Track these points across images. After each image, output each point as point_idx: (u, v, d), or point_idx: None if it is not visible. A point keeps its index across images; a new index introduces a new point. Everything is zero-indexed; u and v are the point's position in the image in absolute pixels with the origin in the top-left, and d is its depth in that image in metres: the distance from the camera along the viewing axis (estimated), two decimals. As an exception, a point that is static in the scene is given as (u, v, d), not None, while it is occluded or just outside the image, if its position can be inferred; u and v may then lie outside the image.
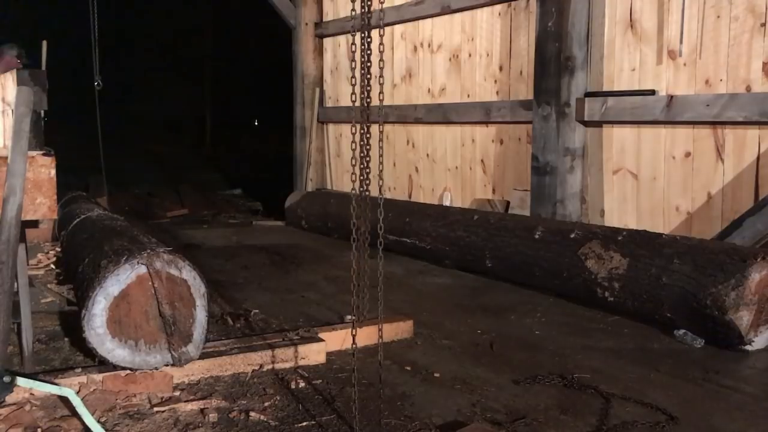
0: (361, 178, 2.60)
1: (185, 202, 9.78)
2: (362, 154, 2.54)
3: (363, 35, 2.55)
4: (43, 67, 7.20)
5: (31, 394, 2.76)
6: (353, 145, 2.52)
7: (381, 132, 2.59)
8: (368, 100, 2.57)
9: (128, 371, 2.95)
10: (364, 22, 2.53)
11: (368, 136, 2.60)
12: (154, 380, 2.95)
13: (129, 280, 2.97)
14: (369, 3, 2.54)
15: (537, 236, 4.67)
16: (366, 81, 2.53)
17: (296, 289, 4.91)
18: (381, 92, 2.55)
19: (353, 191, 2.56)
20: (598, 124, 5.42)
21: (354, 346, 2.47)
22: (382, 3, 2.56)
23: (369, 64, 2.53)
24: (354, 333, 2.50)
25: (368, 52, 2.52)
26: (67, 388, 2.67)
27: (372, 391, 2.95)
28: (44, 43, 7.13)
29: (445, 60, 6.98)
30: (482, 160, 6.60)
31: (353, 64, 2.49)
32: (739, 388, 3.06)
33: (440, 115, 6.96)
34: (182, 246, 6.48)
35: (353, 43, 2.46)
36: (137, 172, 12.89)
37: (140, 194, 10.49)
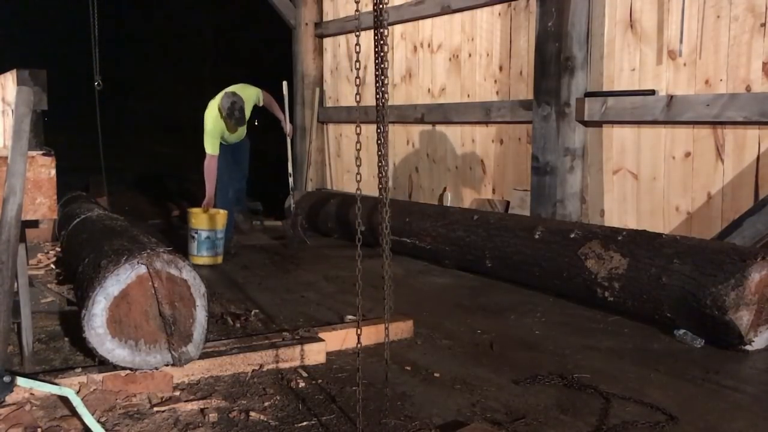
0: (379, 175, 2.57)
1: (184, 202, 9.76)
2: (380, 153, 2.51)
3: (377, 34, 2.51)
4: (286, 105, 6.92)
5: (31, 394, 2.76)
6: (358, 145, 2.49)
7: (385, 132, 2.58)
8: (383, 100, 2.52)
9: (128, 371, 2.95)
10: (378, 21, 2.50)
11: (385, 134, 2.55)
12: (154, 380, 2.96)
13: (129, 280, 2.97)
14: (382, 4, 2.50)
15: (537, 236, 4.67)
16: (381, 81, 2.48)
17: (296, 289, 4.91)
18: (385, 91, 2.54)
19: (358, 192, 2.55)
20: (598, 124, 5.42)
21: (359, 345, 2.47)
22: (386, 3, 2.55)
23: (384, 65, 2.48)
24: (359, 333, 2.51)
25: (382, 53, 2.48)
26: (67, 388, 2.67)
27: (372, 390, 2.95)
28: (285, 84, 6.97)
29: (445, 60, 6.98)
30: (482, 160, 6.60)
31: (357, 64, 2.47)
32: (739, 388, 3.06)
33: (440, 115, 6.96)
34: (182, 246, 6.48)
35: (357, 44, 2.43)
36: (137, 172, 12.88)
37: (140, 194, 10.49)
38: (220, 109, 6.23)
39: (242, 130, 6.71)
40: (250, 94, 6.49)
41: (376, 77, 2.50)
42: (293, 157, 7.32)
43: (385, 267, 2.57)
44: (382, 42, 2.44)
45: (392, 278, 5.17)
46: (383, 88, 2.47)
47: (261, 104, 6.71)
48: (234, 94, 6.25)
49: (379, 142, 2.52)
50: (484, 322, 4.09)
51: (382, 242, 2.56)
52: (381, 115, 2.49)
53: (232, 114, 6.18)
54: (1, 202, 2.61)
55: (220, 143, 6.44)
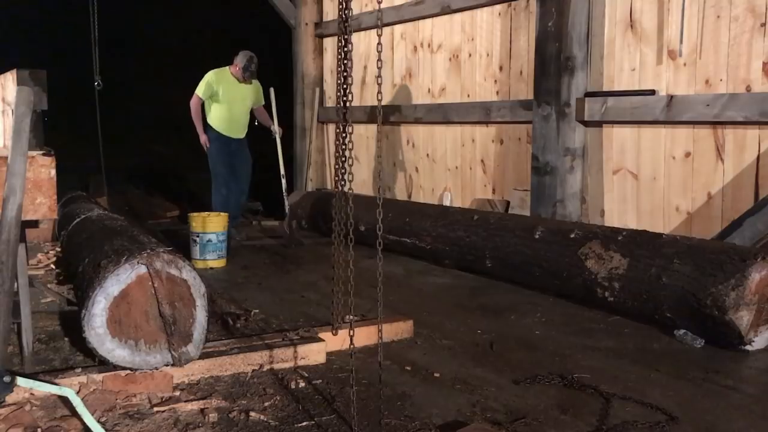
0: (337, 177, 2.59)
1: (184, 203, 9.76)
2: (338, 154, 2.54)
3: (342, 38, 2.54)
4: (274, 110, 7.20)
5: (31, 394, 2.76)
6: (345, 144, 2.51)
7: (379, 132, 2.60)
8: (344, 98, 2.56)
9: (128, 371, 2.95)
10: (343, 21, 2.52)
11: (344, 135, 2.59)
12: (154, 380, 2.95)
13: (129, 280, 2.97)
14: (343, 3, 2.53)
15: (537, 236, 4.67)
16: (342, 79, 2.52)
17: (296, 289, 4.91)
18: (379, 92, 2.55)
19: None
20: (598, 124, 5.42)
21: (351, 346, 2.47)
22: (380, 2, 2.56)
23: (347, 61, 2.52)
24: (351, 333, 2.51)
25: (345, 49, 2.51)
26: (67, 388, 2.67)
27: (372, 391, 2.95)
28: (272, 90, 7.21)
29: (445, 60, 6.97)
30: (482, 160, 6.60)
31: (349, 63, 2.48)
32: (739, 388, 3.06)
33: (440, 115, 6.96)
34: (182, 246, 6.47)
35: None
36: (138, 172, 12.89)
37: (140, 194, 10.50)
38: (236, 64, 6.69)
39: (244, 121, 6.97)
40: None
41: (338, 73, 2.52)
42: (284, 159, 7.43)
43: (379, 269, 2.57)
44: (346, 51, 2.46)
45: (392, 278, 5.18)
46: (346, 87, 2.49)
47: (259, 105, 7.04)
48: (250, 51, 6.74)
49: (337, 141, 2.53)
50: (484, 322, 4.09)
51: (336, 237, 2.55)
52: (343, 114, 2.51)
53: (248, 67, 6.64)
54: (1, 202, 2.61)
55: (224, 139, 6.78)
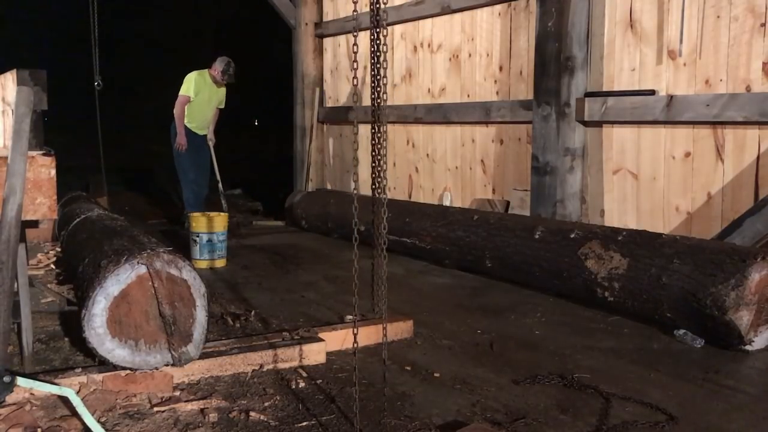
0: (373, 176, 2.60)
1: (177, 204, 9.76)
2: (374, 153, 2.53)
3: (374, 34, 2.55)
4: (213, 124, 7.93)
5: (31, 394, 2.76)
6: (355, 145, 2.51)
7: (384, 132, 2.59)
8: (379, 100, 2.55)
9: (128, 371, 2.95)
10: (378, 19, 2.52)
11: (379, 135, 2.58)
12: (154, 380, 2.96)
13: (129, 280, 2.97)
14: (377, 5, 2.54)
15: (537, 236, 4.67)
16: (377, 81, 2.52)
17: (296, 289, 4.91)
18: (384, 92, 2.55)
19: (355, 191, 2.56)
20: (598, 124, 5.42)
21: (355, 345, 2.47)
22: (385, 3, 2.57)
23: (379, 65, 2.52)
24: (355, 332, 2.51)
25: (378, 52, 2.51)
26: (67, 388, 2.67)
27: (372, 390, 2.95)
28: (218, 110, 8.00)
29: (445, 60, 6.97)
30: (482, 160, 6.60)
31: (355, 64, 2.49)
32: (739, 388, 3.06)
33: (440, 115, 6.96)
34: (182, 246, 6.48)
35: (355, 44, 2.46)
36: (137, 172, 12.89)
37: (140, 194, 10.50)
38: (215, 68, 7.39)
39: (210, 120, 7.68)
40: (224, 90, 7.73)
41: (372, 77, 2.52)
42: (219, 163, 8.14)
43: (383, 267, 2.57)
44: (379, 42, 2.46)
45: (392, 278, 5.17)
46: (379, 89, 2.49)
47: (220, 106, 7.78)
48: (228, 57, 7.45)
49: (373, 142, 2.53)
50: (484, 322, 4.09)
51: (376, 242, 2.56)
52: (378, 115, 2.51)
53: (227, 70, 7.37)
54: (1, 202, 2.61)
55: (192, 135, 7.45)
